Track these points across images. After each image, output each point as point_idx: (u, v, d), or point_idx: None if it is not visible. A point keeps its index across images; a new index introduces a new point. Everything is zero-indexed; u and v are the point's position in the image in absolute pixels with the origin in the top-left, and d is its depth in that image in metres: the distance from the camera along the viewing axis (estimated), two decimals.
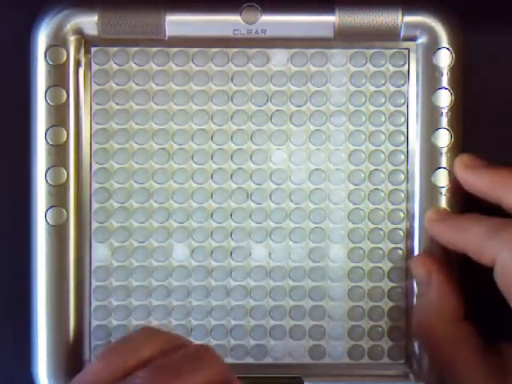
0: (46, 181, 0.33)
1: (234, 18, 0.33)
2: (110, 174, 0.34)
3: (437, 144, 0.33)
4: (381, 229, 0.34)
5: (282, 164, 0.34)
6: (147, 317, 0.34)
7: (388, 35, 0.33)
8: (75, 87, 0.33)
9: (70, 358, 0.33)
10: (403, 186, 0.34)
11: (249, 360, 0.34)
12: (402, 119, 0.34)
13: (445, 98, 0.33)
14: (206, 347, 0.27)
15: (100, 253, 0.34)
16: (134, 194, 0.34)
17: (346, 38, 0.33)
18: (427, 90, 0.33)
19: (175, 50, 0.34)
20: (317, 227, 0.34)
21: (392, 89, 0.34)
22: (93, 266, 0.34)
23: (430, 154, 0.34)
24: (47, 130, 0.33)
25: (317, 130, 0.34)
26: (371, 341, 0.34)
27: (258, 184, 0.34)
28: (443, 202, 0.33)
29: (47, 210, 0.33)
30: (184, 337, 0.29)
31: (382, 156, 0.34)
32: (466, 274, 0.33)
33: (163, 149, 0.34)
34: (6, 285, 0.35)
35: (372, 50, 0.34)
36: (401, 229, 0.34)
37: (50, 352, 0.33)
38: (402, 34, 0.33)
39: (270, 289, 0.34)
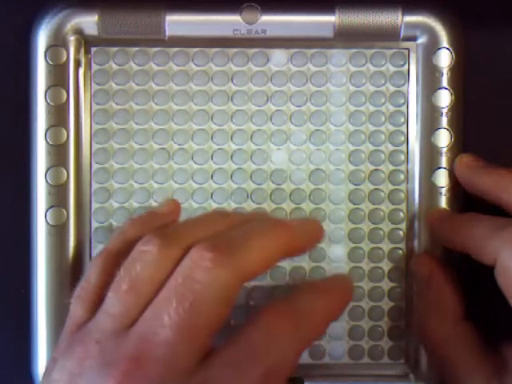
0: (46, 181, 0.33)
1: (234, 18, 0.33)
2: (110, 174, 0.34)
3: (437, 144, 0.33)
4: (381, 229, 0.34)
5: (282, 164, 0.34)
6: None
7: (388, 35, 0.33)
8: (75, 87, 0.33)
9: None
10: (403, 186, 0.34)
11: None
12: (402, 119, 0.34)
13: (445, 98, 0.33)
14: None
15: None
16: (133, 194, 0.34)
17: (346, 38, 0.33)
18: (427, 90, 0.34)
19: (175, 49, 0.34)
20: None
21: (392, 89, 0.34)
22: None
23: (430, 153, 0.34)
24: (47, 130, 0.33)
25: (317, 130, 0.34)
26: (371, 341, 0.34)
27: (258, 184, 0.34)
28: (443, 202, 0.33)
29: (47, 210, 0.33)
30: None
31: (382, 156, 0.34)
32: (467, 274, 0.33)
33: (163, 149, 0.34)
34: (6, 285, 0.35)
35: (372, 50, 0.34)
36: (401, 229, 0.34)
37: (50, 351, 0.33)
38: (402, 34, 0.33)
39: (271, 289, 0.34)
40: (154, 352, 0.24)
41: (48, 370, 0.27)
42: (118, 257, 0.28)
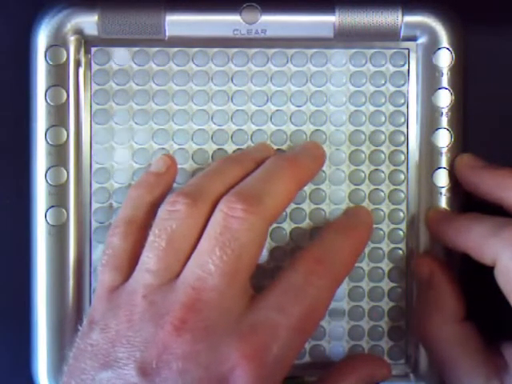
0: (46, 181, 0.33)
1: (234, 18, 0.33)
2: (110, 173, 0.34)
3: (437, 144, 0.33)
4: (381, 229, 0.34)
5: None
6: None
7: (388, 35, 0.33)
8: (75, 87, 0.33)
9: None
10: (403, 186, 0.34)
11: None
12: (402, 119, 0.34)
13: (445, 98, 0.33)
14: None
15: (100, 253, 0.34)
16: None
17: (346, 38, 0.33)
18: (427, 90, 0.34)
19: (175, 49, 0.34)
20: (317, 227, 0.34)
21: (392, 89, 0.34)
22: (93, 266, 0.34)
23: (430, 153, 0.34)
24: (47, 130, 0.33)
25: (317, 130, 0.34)
26: (371, 341, 0.34)
27: None
28: (443, 202, 0.33)
29: (47, 210, 0.33)
30: None
31: (382, 156, 0.34)
32: (467, 274, 0.33)
33: (163, 149, 0.34)
34: (6, 285, 0.35)
35: (372, 50, 0.34)
36: (401, 229, 0.34)
37: (50, 351, 0.33)
38: (401, 34, 0.33)
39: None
40: (205, 298, 0.26)
41: (84, 333, 0.27)
42: (137, 222, 0.30)
